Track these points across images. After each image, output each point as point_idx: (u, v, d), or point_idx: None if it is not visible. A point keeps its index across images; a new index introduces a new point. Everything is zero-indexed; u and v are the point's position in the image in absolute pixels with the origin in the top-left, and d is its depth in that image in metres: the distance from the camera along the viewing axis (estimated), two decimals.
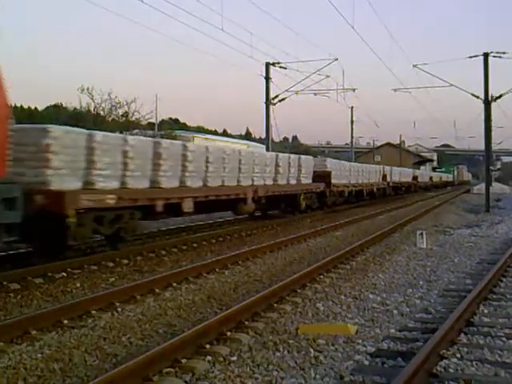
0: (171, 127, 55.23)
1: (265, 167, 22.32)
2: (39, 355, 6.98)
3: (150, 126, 48.49)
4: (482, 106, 33.96)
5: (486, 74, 33.34)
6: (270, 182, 22.77)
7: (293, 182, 25.44)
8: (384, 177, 45.17)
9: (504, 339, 7.63)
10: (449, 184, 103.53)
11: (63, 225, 11.90)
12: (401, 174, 53.81)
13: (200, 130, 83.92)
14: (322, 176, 29.14)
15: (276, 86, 36.33)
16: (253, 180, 21.04)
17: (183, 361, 6.60)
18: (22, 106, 77.01)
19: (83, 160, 12.82)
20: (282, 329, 8.18)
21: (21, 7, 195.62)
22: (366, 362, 6.79)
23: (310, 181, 27.73)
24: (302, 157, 27.99)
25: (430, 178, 79.75)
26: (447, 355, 6.86)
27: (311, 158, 30.22)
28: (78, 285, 11.13)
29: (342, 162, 36.63)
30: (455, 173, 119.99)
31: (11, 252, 13.60)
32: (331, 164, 31.31)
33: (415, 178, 62.64)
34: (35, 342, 7.45)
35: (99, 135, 13.40)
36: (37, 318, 8.15)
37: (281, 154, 25.27)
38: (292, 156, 26.49)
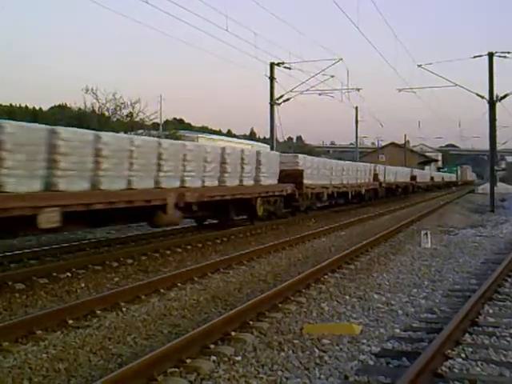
0: (175, 127, 55.31)
1: (204, 164, 17.44)
2: (44, 355, 6.99)
3: (155, 126, 48.56)
4: (487, 105, 33.91)
5: (491, 74, 33.29)
6: (212, 182, 17.92)
7: (248, 182, 20.56)
8: (375, 176, 40.96)
9: (509, 339, 7.62)
10: (452, 184, 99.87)
11: None
12: (397, 174, 49.95)
13: (204, 130, 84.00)
14: (292, 175, 24.70)
15: (280, 86, 36.34)
16: (183, 181, 16.23)
17: (188, 361, 6.60)
18: (26, 106, 77.22)
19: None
20: (287, 329, 8.17)
21: (22, 7, 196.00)
22: (371, 362, 6.79)
23: (275, 181, 23.08)
24: (263, 152, 23.97)
25: (431, 178, 76.11)
26: (452, 355, 6.85)
27: (277, 153, 25.64)
28: (83, 285, 11.14)
29: (322, 159, 34.08)
30: (458, 173, 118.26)
31: (16, 252, 13.66)
32: (304, 161, 26.74)
33: (414, 177, 59.16)
34: (40, 342, 7.47)
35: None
36: (42, 318, 8.16)
37: (229, 148, 20.27)
38: (247, 151, 21.56)
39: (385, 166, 46.46)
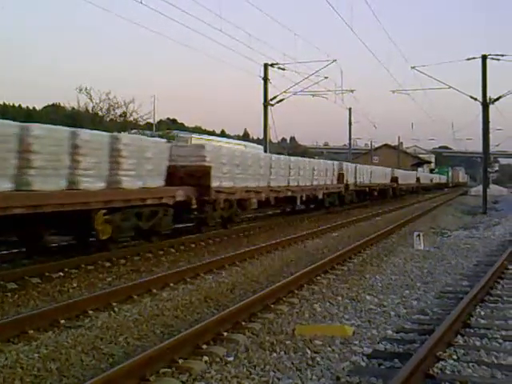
0: (169, 127, 55.25)
1: None
2: (36, 355, 6.98)
3: (148, 126, 48.50)
4: (480, 108, 34.01)
5: (484, 77, 33.41)
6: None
7: (92, 185, 13.06)
8: (340, 177, 33.60)
9: (500, 341, 7.64)
10: (442, 186, 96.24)
11: None
12: (372, 174, 42.56)
13: (198, 130, 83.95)
14: (193, 175, 17.51)
15: (274, 86, 36.38)
16: None
17: (180, 361, 6.60)
18: (20, 106, 77.08)
19: None
20: (279, 329, 8.18)
21: (19, 7, 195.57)
22: (363, 363, 6.80)
23: (158, 182, 15.82)
24: (127, 137, 15.84)
25: (417, 180, 69.35)
26: (444, 357, 6.86)
27: (162, 141, 18.69)
28: (75, 284, 11.12)
29: (249, 151, 26.43)
30: (449, 174, 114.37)
31: (7, 252, 13.61)
32: (216, 155, 18.51)
33: (395, 179, 52.08)
34: (32, 342, 7.45)
35: None
36: (34, 318, 8.15)
37: (45, 127, 12.34)
38: (86, 133, 13.30)
39: (356, 164, 40.19)
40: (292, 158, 27.27)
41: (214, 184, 17.90)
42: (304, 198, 27.46)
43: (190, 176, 17.42)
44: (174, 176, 16.93)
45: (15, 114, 54.70)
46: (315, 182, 29.01)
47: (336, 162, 34.64)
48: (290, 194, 25.43)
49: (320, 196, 29.49)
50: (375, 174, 43.65)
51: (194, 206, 17.16)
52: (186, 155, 18.13)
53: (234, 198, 19.81)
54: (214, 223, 18.90)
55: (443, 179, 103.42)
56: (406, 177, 61.05)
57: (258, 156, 23.16)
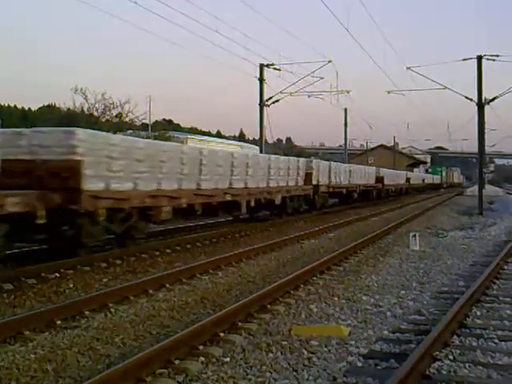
0: (164, 128, 55.20)
1: None
2: (32, 356, 6.97)
3: (144, 127, 48.43)
4: (476, 108, 34.05)
5: (480, 77, 33.42)
6: None
7: None
8: (308, 177, 28.33)
9: (496, 341, 7.66)
10: (435, 187, 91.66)
11: None
12: (351, 174, 37.52)
13: (193, 131, 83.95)
14: (56, 174, 12.38)
15: (270, 87, 36.39)
16: None
17: (176, 362, 6.60)
18: (15, 106, 76.97)
19: None
20: (275, 330, 8.18)
21: (14, 6, 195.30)
22: (359, 364, 6.80)
23: None
24: None
25: (407, 180, 64.10)
26: (440, 357, 6.87)
27: None
28: (71, 285, 11.11)
29: (160, 142, 19.68)
30: (443, 174, 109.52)
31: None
32: (93, 145, 12.93)
33: (380, 179, 47.01)
34: (28, 343, 7.44)
35: None
36: (30, 319, 8.14)
37: None
38: None
39: (329, 162, 34.74)
40: (236, 153, 21.61)
41: (90, 186, 12.61)
42: (253, 204, 21.32)
43: (53, 175, 12.32)
44: (17, 175, 12.34)
45: (11, 114, 54.55)
46: (272, 184, 23.63)
47: (302, 159, 29.28)
48: (229, 198, 19.27)
49: (278, 200, 23.77)
50: (356, 174, 38.87)
51: (42, 221, 11.64)
52: (49, 145, 12.78)
53: (131, 206, 14.30)
54: (95, 242, 13.71)
55: (437, 179, 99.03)
56: (394, 177, 56.01)
57: (181, 149, 17.04)
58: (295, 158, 28.47)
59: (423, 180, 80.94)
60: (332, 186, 32.24)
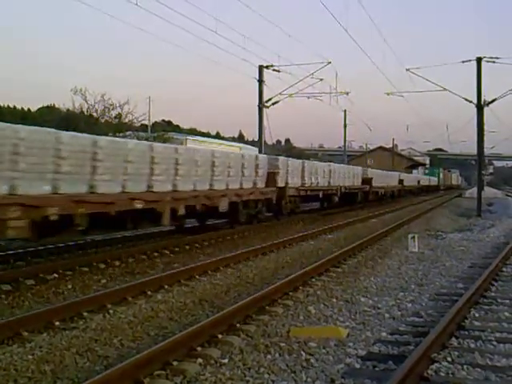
0: (164, 129, 55.22)
1: None
2: (30, 356, 6.97)
3: (143, 128, 48.45)
4: (475, 110, 34.05)
5: (479, 79, 33.42)
6: None
7: None
8: (271, 178, 23.30)
9: (495, 343, 7.66)
10: (432, 189, 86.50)
11: None
12: (331, 174, 32.10)
13: (193, 132, 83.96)
14: None
15: (269, 88, 36.40)
16: None
17: (174, 363, 6.60)
18: (15, 107, 76.88)
19: None
20: (274, 331, 8.18)
21: (12, 7, 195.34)
22: (357, 366, 6.80)
23: None
24: None
25: (400, 182, 57.16)
26: (438, 359, 6.88)
27: None
28: (70, 286, 11.11)
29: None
30: (441, 176, 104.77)
31: (1, 253, 13.59)
32: None
33: (367, 180, 41.35)
34: (26, 344, 7.44)
35: None
36: (28, 320, 8.13)
37: None
38: None
39: (303, 160, 30.14)
40: (160, 147, 16.23)
41: None
42: (182, 212, 16.25)
43: None
44: None
45: (10, 115, 54.49)
46: (219, 186, 18.55)
47: (262, 156, 24.68)
48: (140, 206, 14.02)
49: (223, 207, 18.60)
50: (337, 174, 33.30)
51: None
52: None
53: None
54: None
55: (433, 181, 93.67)
56: (385, 178, 49.65)
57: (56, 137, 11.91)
58: (253, 154, 24.09)
59: (418, 182, 74.82)
60: (305, 188, 27.51)
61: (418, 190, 70.88)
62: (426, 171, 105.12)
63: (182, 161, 16.27)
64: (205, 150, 19.85)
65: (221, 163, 18.68)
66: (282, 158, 25.72)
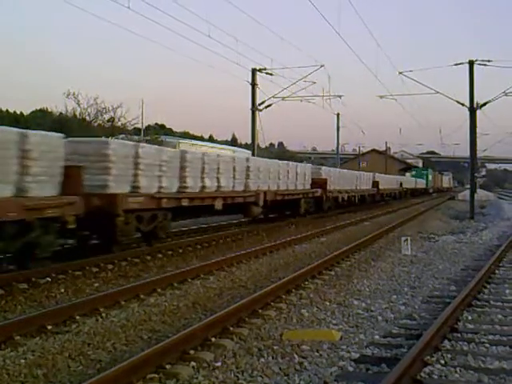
0: (157, 132, 55.15)
1: None
2: (22, 360, 6.94)
3: (136, 131, 48.37)
4: (468, 113, 34.13)
5: (472, 82, 33.50)
6: None
7: None
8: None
9: (487, 345, 7.67)
10: (418, 193, 77.13)
11: None
12: (249, 174, 21.73)
13: (186, 135, 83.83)
14: None
15: (262, 91, 36.38)
16: None
17: (167, 366, 6.59)
18: (7, 111, 76.62)
19: None
20: (267, 335, 8.18)
21: (6, 7, 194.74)
22: (351, 368, 6.80)
23: None
24: None
25: (375, 185, 45.80)
26: (431, 361, 6.88)
27: None
28: (63, 290, 11.08)
29: None
30: (429, 178, 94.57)
31: None
32: None
33: (320, 184, 30.34)
34: (19, 348, 7.41)
35: None
36: (21, 324, 8.11)
37: None
38: None
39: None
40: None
41: None
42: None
43: None
44: None
45: (3, 119, 54.33)
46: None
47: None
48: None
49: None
50: (261, 174, 23.01)
51: None
52: None
53: None
54: None
55: (421, 184, 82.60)
56: (349, 180, 38.07)
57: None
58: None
59: (400, 183, 62.13)
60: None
61: (398, 195, 59.96)
62: (413, 173, 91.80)
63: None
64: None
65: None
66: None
